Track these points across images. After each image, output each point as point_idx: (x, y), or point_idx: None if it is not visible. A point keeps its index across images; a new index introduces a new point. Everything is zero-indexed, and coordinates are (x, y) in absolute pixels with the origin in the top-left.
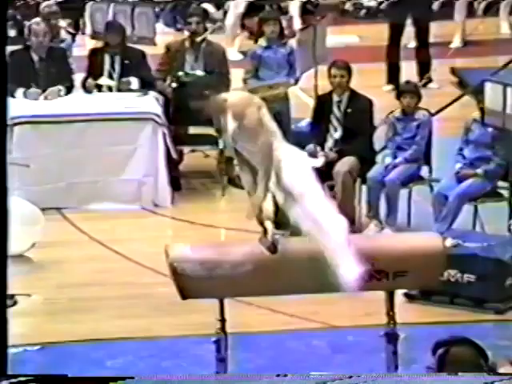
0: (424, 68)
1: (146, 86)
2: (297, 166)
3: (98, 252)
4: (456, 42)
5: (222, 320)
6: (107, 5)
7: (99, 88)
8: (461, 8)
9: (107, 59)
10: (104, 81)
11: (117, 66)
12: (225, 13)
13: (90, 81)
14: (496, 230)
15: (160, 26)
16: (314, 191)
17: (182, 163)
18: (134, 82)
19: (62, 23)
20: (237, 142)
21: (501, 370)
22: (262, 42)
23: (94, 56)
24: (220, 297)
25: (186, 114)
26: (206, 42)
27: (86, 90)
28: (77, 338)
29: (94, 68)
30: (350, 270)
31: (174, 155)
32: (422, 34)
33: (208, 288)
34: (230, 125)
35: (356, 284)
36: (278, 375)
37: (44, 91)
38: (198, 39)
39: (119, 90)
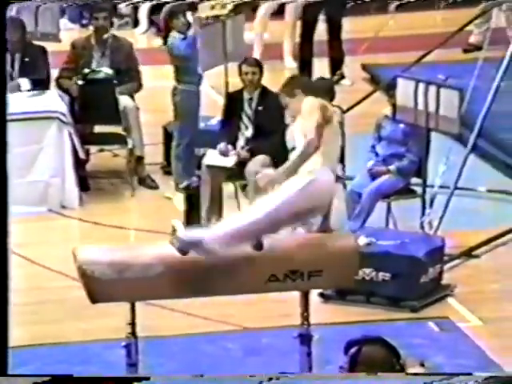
0: (336, 64)
1: (42, 84)
2: None
3: None
4: (286, 43)
5: (133, 324)
6: None
7: None
8: (292, 10)
9: (8, 58)
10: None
11: (16, 65)
12: (134, 8)
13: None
14: (409, 227)
15: (64, 22)
16: None
17: (91, 163)
18: (25, 84)
19: None
20: None
21: (410, 371)
22: (175, 34)
23: None
24: (131, 300)
25: (92, 112)
26: (113, 37)
27: None
28: None
29: None
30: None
31: (82, 155)
32: (334, 30)
33: (118, 291)
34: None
35: None
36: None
37: None
38: (105, 36)
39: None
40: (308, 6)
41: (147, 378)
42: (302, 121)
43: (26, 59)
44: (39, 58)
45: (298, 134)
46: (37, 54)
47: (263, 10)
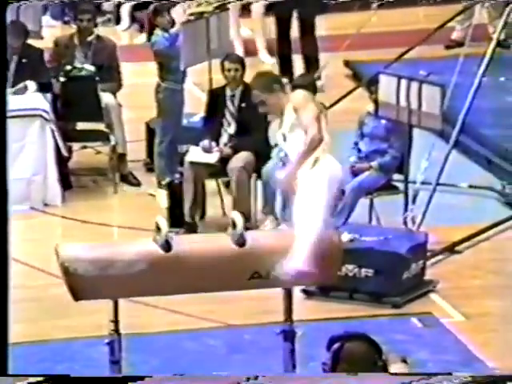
0: (311, 61)
1: (48, 88)
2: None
3: None
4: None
5: (116, 321)
6: None
7: None
8: (257, 7)
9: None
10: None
11: (12, 65)
12: (117, 5)
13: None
14: (392, 223)
15: (46, 19)
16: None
17: (73, 160)
18: (31, 86)
19: None
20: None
21: (392, 367)
22: (159, 32)
23: None
24: (114, 297)
25: (74, 109)
26: (97, 36)
27: None
28: None
29: None
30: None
31: (64, 152)
32: (306, 28)
33: (101, 288)
34: (288, 117)
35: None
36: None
37: None
38: (89, 38)
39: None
40: (280, 3)
41: (141, 378)
42: (294, 115)
43: (24, 60)
44: (39, 62)
45: (285, 130)
46: (35, 57)
47: (231, 7)
